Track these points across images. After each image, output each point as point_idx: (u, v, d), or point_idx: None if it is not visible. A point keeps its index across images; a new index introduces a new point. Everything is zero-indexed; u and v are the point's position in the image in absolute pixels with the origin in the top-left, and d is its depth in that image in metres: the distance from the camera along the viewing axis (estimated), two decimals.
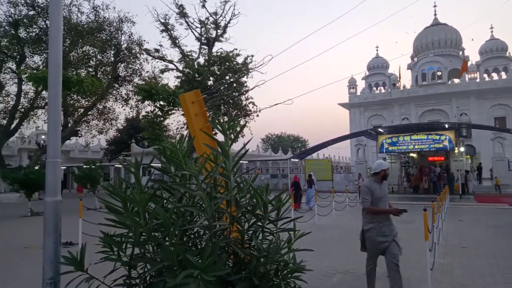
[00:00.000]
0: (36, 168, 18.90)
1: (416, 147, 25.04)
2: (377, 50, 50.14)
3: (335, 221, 12.35)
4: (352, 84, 46.22)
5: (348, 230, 10.37)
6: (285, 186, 26.67)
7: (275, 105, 7.80)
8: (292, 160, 33.80)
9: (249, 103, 29.89)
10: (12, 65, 27.90)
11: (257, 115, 30.14)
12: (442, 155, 27.67)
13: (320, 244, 8.08)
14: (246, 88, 29.20)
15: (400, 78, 44.95)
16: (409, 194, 25.23)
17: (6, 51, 26.54)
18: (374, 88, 47.83)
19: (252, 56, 29.43)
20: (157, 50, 28.96)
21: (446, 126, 24.73)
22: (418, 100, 42.94)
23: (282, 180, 34.92)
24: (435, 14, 48.73)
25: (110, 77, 28.29)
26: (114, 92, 29.80)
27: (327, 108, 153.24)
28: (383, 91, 46.94)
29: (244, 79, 29.43)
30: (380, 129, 26.90)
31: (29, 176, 15.50)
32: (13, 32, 25.92)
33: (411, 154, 29.43)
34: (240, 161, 2.56)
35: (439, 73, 44.45)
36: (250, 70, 28.32)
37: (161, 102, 15.05)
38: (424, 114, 42.74)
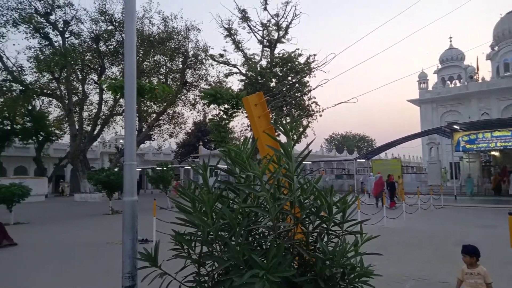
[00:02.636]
0: (116, 170, 20.58)
1: (499, 144, 22.71)
2: (450, 41, 46.00)
3: (406, 224, 11.68)
4: (422, 78, 43.32)
5: (419, 235, 9.76)
6: (351, 188, 25.87)
7: (338, 104, 7.61)
8: (358, 160, 32.65)
9: (311, 103, 29.62)
10: (94, 76, 30.85)
11: (320, 115, 29.74)
12: None
13: (389, 248, 7.70)
14: (309, 88, 28.92)
15: (478, 69, 41.15)
16: (492, 197, 23.01)
17: (89, 64, 29.41)
18: (448, 82, 44.34)
19: (315, 55, 29.14)
20: (221, 55, 29.91)
21: None
22: (500, 93, 38.93)
23: (348, 181, 33.92)
24: None
25: (178, 83, 29.91)
26: (182, 97, 31.45)
27: (396, 106, 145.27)
28: (458, 84, 43.34)
29: (306, 79, 29.20)
30: (455, 126, 24.85)
31: (110, 177, 16.96)
32: (95, 46, 28.61)
33: (493, 153, 26.78)
34: (304, 162, 2.55)
35: None
36: (313, 70, 28.02)
37: (226, 105, 15.50)
38: (508, 108, 38.64)
